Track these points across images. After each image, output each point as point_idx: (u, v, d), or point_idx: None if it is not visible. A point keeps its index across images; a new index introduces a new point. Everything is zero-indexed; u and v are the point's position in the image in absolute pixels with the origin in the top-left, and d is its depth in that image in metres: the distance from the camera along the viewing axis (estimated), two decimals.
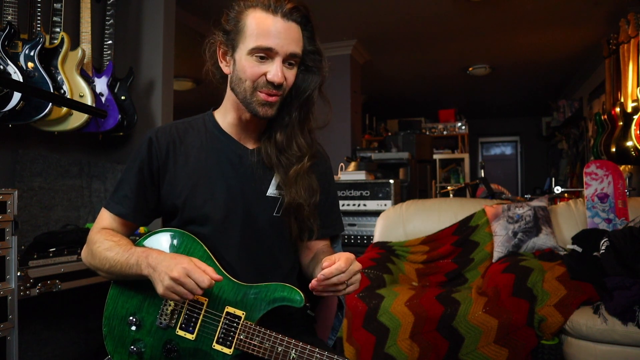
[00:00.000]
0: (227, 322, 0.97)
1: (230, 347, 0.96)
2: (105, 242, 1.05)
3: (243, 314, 0.97)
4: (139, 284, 1.02)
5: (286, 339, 0.94)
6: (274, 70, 0.99)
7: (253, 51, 1.00)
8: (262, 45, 0.99)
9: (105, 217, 1.11)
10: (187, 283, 0.90)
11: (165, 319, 0.99)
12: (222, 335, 0.97)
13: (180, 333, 0.98)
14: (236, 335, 0.96)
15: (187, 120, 1.17)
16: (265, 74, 1.00)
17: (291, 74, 1.04)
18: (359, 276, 0.95)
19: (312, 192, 1.10)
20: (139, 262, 0.98)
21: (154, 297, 1.01)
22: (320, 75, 1.09)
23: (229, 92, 1.10)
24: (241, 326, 0.96)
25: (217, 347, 0.96)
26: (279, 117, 1.10)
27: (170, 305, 0.99)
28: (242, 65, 1.02)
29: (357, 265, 0.94)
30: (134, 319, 1.00)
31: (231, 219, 1.08)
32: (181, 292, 0.91)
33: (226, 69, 1.08)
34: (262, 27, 0.99)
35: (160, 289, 0.92)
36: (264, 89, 1.01)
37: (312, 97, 1.09)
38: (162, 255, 0.97)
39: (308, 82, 1.08)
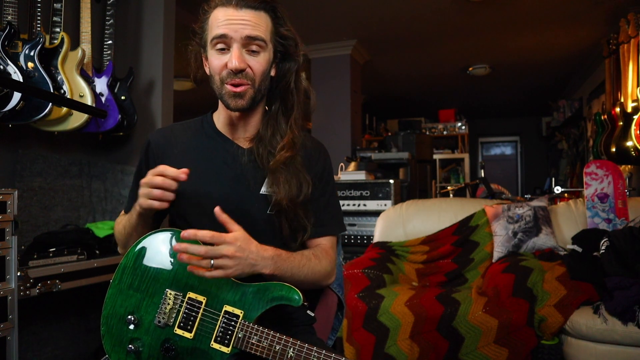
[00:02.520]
0: (225, 320, 0.97)
1: (228, 346, 0.96)
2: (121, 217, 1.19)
3: (241, 312, 0.97)
4: (138, 284, 1.02)
5: (284, 337, 0.95)
6: (231, 57, 1.01)
7: (212, 43, 1.03)
8: (217, 33, 1.02)
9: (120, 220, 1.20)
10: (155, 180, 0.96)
11: (163, 318, 0.99)
12: (220, 334, 0.97)
13: (179, 332, 0.98)
14: (234, 334, 0.96)
15: (186, 122, 1.20)
16: (226, 64, 1.02)
17: (256, 62, 1.04)
18: (227, 261, 0.92)
19: (299, 187, 1.08)
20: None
21: (152, 296, 1.01)
22: (296, 61, 1.11)
23: None
24: (239, 325, 0.96)
25: (215, 345, 0.97)
26: (266, 112, 1.14)
27: (169, 303, 1.00)
28: (210, 60, 1.06)
29: (226, 249, 0.92)
30: (132, 318, 1.00)
31: None
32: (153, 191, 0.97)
33: (207, 70, 1.11)
34: (217, 19, 1.03)
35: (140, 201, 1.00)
36: (228, 80, 1.03)
37: (290, 84, 1.11)
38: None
39: (285, 70, 1.10)
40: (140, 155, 1.17)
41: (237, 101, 1.04)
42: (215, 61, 1.04)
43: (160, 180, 0.96)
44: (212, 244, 0.93)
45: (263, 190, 1.10)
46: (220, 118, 1.16)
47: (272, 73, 1.10)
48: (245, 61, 1.02)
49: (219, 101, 1.14)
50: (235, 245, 0.93)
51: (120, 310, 1.02)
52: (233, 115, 1.11)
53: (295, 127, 1.12)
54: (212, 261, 0.91)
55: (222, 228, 1.07)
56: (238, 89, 1.03)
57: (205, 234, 0.92)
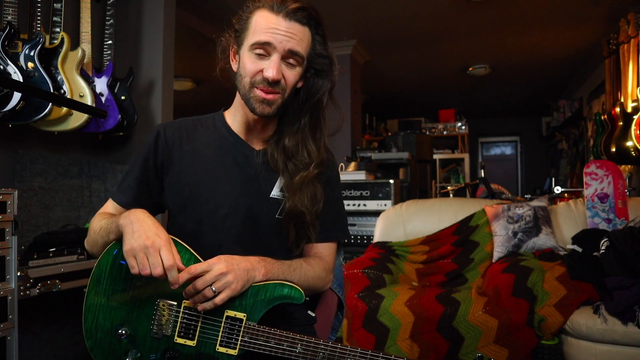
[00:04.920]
0: (228, 325, 0.95)
1: (235, 349, 0.95)
2: (103, 215, 1.08)
3: (244, 316, 0.96)
4: (121, 296, 0.97)
5: (290, 334, 0.95)
6: (269, 66, 1.00)
7: (252, 47, 1.02)
8: (260, 40, 1.00)
9: (108, 207, 1.13)
10: (153, 258, 0.88)
11: (160, 329, 0.96)
12: (225, 339, 0.95)
13: (180, 341, 0.95)
14: (240, 338, 0.95)
15: (197, 118, 1.18)
16: (262, 71, 1.01)
17: (291, 74, 1.04)
18: (226, 278, 0.92)
19: (316, 201, 1.08)
20: (121, 216, 0.95)
21: (142, 308, 0.97)
22: (330, 80, 1.10)
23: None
24: (244, 328, 0.95)
25: (222, 349, 0.95)
26: (289, 122, 1.11)
27: (163, 315, 0.96)
28: (244, 61, 1.04)
29: (217, 268, 0.92)
30: (124, 331, 0.96)
31: (233, 217, 1.08)
32: (142, 261, 0.88)
33: (235, 67, 1.09)
34: (263, 23, 1.01)
35: (127, 245, 0.89)
36: (260, 86, 1.02)
37: (322, 102, 1.10)
38: (147, 218, 0.94)
39: (318, 87, 1.09)
40: (147, 144, 1.12)
41: (264, 108, 1.03)
42: (251, 64, 1.02)
43: (172, 274, 0.89)
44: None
45: (273, 193, 1.10)
46: (236, 118, 1.14)
47: (299, 85, 1.09)
48: (281, 72, 1.02)
49: (237, 101, 1.12)
50: (222, 262, 0.93)
51: (105, 324, 0.97)
52: (252, 118, 1.09)
53: (324, 145, 1.12)
54: (212, 287, 0.91)
55: (226, 228, 1.08)
56: (269, 96, 1.02)
57: (190, 270, 0.91)
